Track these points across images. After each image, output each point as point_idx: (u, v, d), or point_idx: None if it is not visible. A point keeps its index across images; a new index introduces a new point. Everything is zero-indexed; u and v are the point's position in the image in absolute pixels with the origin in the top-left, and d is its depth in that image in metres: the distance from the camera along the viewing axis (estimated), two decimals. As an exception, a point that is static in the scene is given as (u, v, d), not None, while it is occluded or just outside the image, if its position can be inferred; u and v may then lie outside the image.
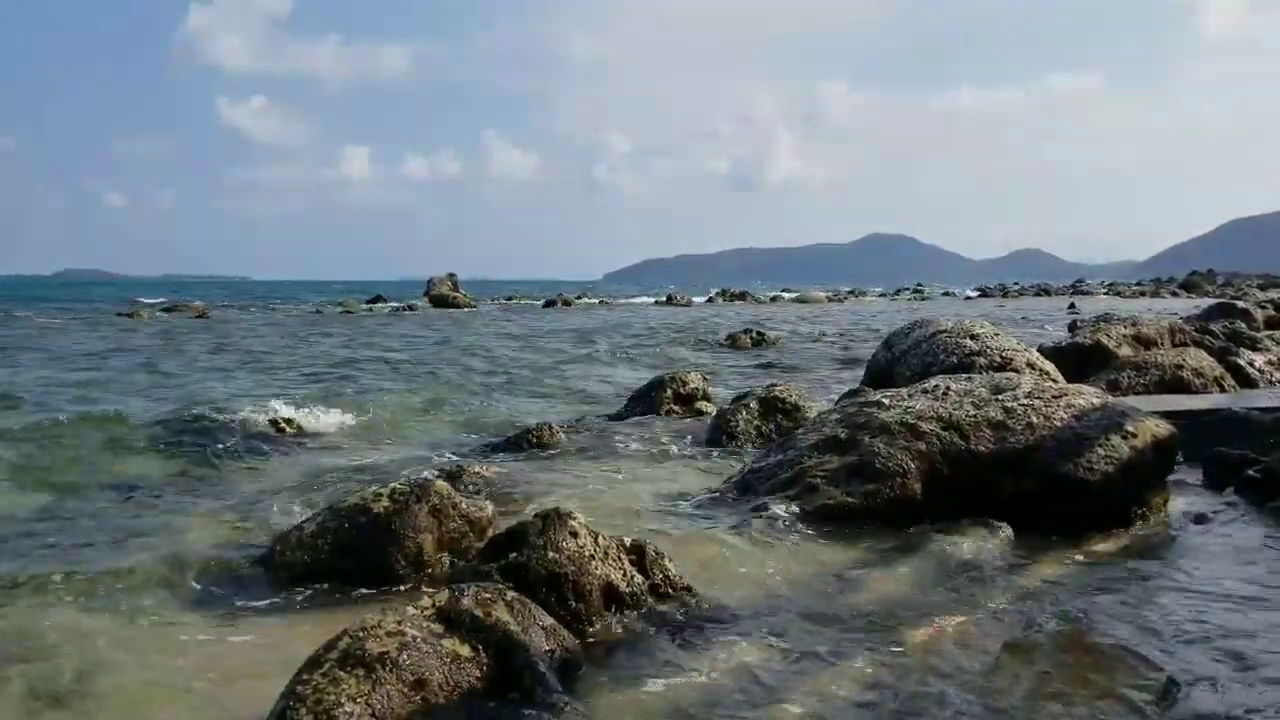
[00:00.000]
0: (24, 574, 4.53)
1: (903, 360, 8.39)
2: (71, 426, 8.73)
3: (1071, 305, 38.89)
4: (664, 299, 45.45)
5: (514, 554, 3.86)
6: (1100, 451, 5.24)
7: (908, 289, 68.32)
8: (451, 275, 44.03)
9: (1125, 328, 10.50)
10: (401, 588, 4.35)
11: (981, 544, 4.85)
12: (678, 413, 9.31)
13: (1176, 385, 8.84)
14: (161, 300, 44.08)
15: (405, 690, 2.82)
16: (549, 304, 42.04)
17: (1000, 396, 5.66)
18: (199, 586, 4.44)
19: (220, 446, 7.87)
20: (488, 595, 3.24)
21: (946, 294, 62.46)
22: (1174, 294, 53.90)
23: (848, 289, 63.81)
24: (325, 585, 4.40)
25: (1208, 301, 23.58)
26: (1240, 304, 16.57)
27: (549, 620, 3.36)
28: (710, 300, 47.52)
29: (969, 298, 57.00)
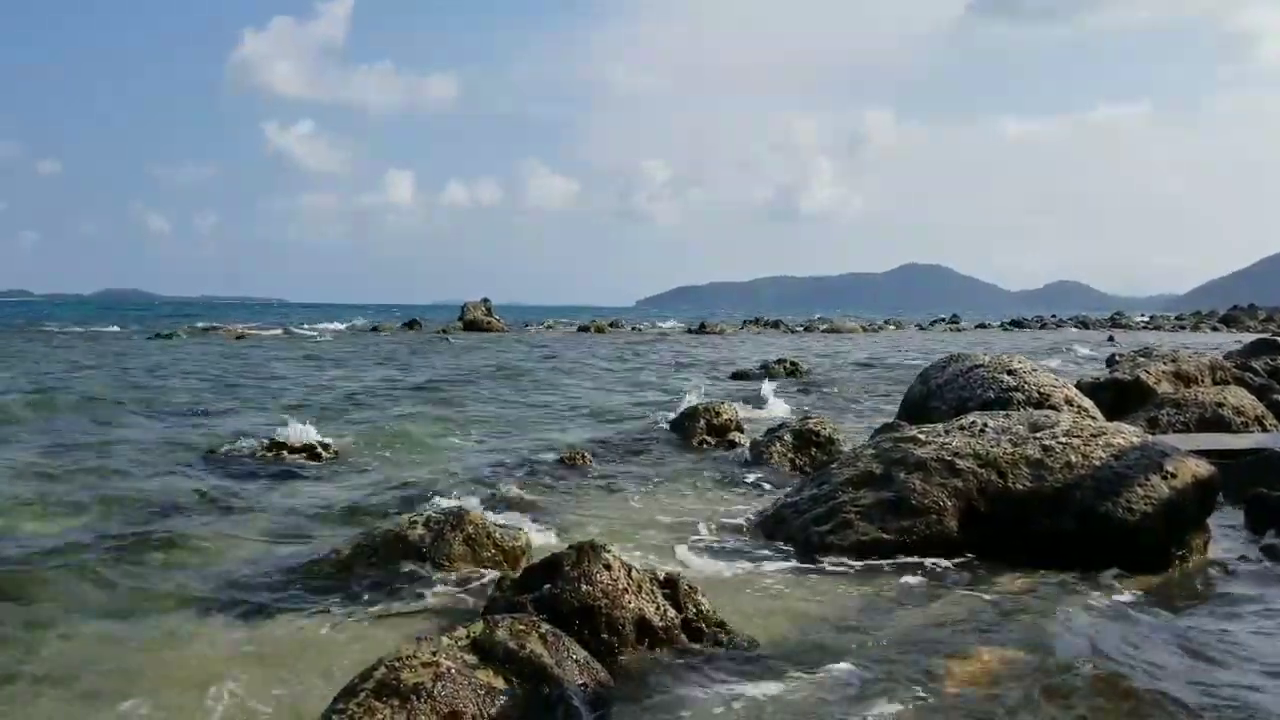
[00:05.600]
0: (64, 578, 4.80)
1: (939, 394, 8.34)
2: (113, 442, 8.88)
3: (1110, 338, 38.34)
4: (696, 326, 45.32)
5: (548, 585, 3.87)
6: (1140, 491, 5.18)
7: (943, 319, 67.77)
8: (485, 300, 44.31)
9: (1165, 364, 10.37)
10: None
11: (1017, 584, 4.80)
12: (711, 443, 9.30)
13: (1217, 423, 8.72)
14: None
15: (439, 721, 2.83)
16: (582, 329, 42.11)
17: (1038, 434, 5.61)
18: (234, 602, 4.52)
19: (259, 468, 7.97)
20: (522, 627, 3.26)
21: (981, 325, 61.87)
22: (1214, 328, 53.09)
23: (882, 319, 63.26)
24: (357, 607, 4.46)
25: (1249, 337, 23.20)
26: (1282, 340, 16.29)
27: (582, 653, 3.37)
28: (743, 328, 47.32)
29: (1005, 329, 56.40)
